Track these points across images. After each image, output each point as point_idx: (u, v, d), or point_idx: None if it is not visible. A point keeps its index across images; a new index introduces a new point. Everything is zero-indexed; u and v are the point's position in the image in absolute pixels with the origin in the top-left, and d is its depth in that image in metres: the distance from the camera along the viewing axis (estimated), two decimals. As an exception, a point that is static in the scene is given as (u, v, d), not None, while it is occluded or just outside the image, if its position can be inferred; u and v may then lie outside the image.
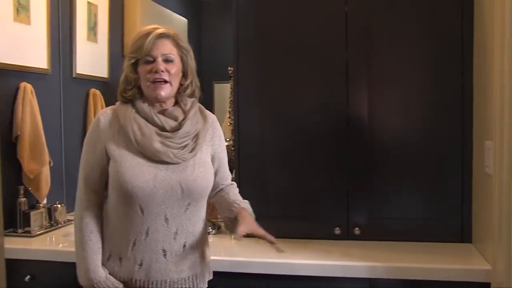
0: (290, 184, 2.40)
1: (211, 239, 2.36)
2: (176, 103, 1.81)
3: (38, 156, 2.58)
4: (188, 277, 1.77)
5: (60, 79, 2.92)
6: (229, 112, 2.85)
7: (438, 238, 2.30)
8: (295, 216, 2.40)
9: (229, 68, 2.59)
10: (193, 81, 1.83)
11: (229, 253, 2.21)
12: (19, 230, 2.49)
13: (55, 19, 2.85)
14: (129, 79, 1.77)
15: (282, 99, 2.39)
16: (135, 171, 1.68)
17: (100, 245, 1.77)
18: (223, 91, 3.21)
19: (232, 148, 2.48)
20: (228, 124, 2.76)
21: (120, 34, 3.48)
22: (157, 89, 1.71)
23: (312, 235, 2.36)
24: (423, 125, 2.31)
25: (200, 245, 1.80)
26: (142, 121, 1.73)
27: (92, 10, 3.13)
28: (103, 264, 1.76)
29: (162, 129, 1.73)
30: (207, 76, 4.00)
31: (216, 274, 1.88)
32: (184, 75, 1.80)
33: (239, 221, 1.72)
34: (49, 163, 2.66)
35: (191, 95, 1.84)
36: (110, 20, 3.32)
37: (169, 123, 1.74)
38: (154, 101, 1.76)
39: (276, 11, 2.40)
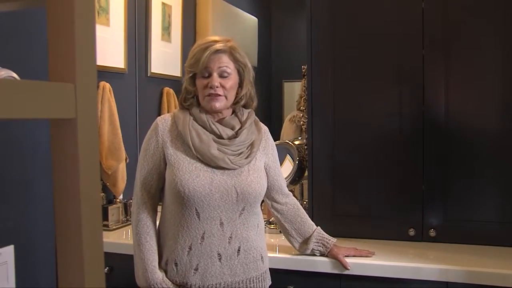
0: (364, 184, 2.36)
1: (283, 237, 2.38)
2: (233, 112, 1.87)
3: (116, 152, 2.66)
4: (242, 280, 1.80)
5: (136, 78, 3.00)
6: (300, 109, 2.86)
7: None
8: (369, 216, 2.36)
9: (302, 66, 2.59)
10: (248, 92, 1.88)
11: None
12: (98, 224, 2.59)
13: (132, 20, 2.94)
14: (189, 90, 1.85)
15: (356, 99, 2.36)
16: (192, 175, 1.74)
17: (156, 247, 1.82)
18: (293, 90, 3.22)
19: (305, 147, 2.47)
20: (300, 122, 2.76)
21: (192, 34, 3.54)
22: (212, 101, 1.78)
23: (385, 236, 2.32)
24: (503, 125, 2.21)
25: (255, 250, 1.83)
26: (199, 128, 1.80)
27: (166, 10, 3.20)
28: (160, 268, 1.81)
29: (219, 137, 1.80)
30: (276, 75, 4.04)
31: (289, 272, 1.89)
32: (240, 86, 1.86)
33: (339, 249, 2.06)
34: (125, 159, 2.75)
35: (246, 106, 1.90)
36: (183, 20, 3.39)
37: (226, 132, 1.81)
38: (211, 112, 1.82)
39: (350, 8, 2.37)
